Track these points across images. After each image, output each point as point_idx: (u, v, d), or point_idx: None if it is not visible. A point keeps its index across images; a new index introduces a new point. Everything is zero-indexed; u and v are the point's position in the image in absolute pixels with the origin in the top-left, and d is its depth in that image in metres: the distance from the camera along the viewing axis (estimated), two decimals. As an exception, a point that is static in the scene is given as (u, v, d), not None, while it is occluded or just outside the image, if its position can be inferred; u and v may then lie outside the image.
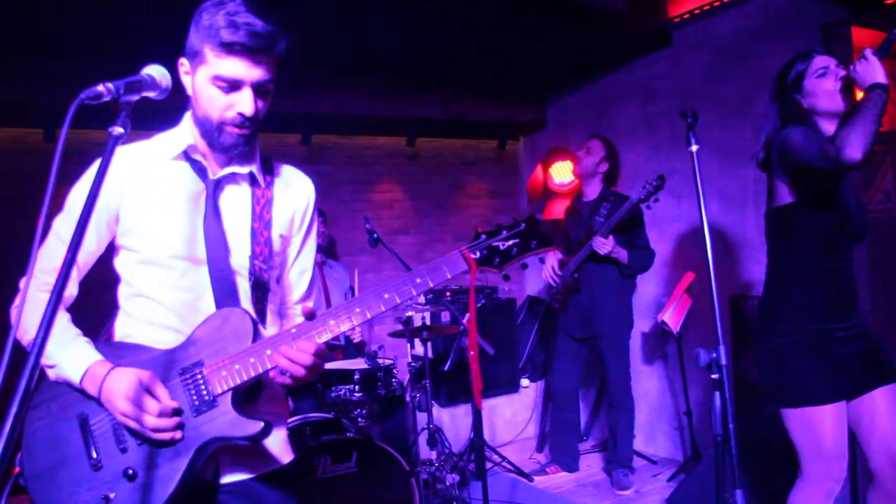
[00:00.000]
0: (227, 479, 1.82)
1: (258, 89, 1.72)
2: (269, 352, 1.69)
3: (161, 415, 1.62)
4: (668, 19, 5.19)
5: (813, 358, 2.70)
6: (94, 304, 2.06)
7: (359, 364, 4.36)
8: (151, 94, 1.51)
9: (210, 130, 1.76)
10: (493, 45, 5.38)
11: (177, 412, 1.66)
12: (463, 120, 6.57)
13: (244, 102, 1.70)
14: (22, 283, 1.78)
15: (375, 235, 4.21)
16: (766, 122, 2.93)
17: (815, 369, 2.69)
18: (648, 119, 5.78)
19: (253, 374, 1.69)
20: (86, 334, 1.80)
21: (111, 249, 1.87)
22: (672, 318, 4.78)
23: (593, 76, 6.34)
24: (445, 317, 5.84)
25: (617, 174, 5.05)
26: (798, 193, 2.74)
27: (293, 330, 1.72)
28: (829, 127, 2.78)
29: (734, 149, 4.84)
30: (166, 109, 1.91)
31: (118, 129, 1.35)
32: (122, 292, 1.87)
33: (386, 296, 1.73)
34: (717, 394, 2.14)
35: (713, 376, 2.14)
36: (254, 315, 1.80)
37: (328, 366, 4.45)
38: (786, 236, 2.84)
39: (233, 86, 1.69)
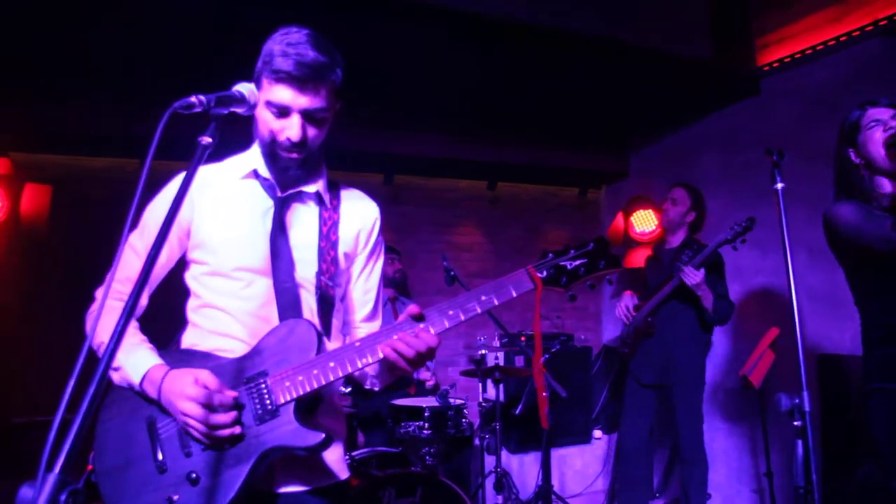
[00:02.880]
0: (282, 489, 1.84)
1: (308, 117, 1.80)
2: (332, 364, 1.73)
3: (220, 408, 1.67)
4: (756, 68, 5.13)
5: None
6: (166, 319, 2.14)
7: (430, 402, 4.35)
8: (239, 110, 1.60)
9: (267, 152, 1.87)
10: (576, 92, 5.40)
11: (236, 406, 1.70)
12: (544, 166, 6.61)
13: (292, 128, 1.79)
14: (97, 293, 1.93)
15: (452, 273, 4.23)
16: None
17: None
18: (732, 169, 5.66)
19: (315, 386, 1.72)
20: (155, 345, 1.88)
21: (182, 265, 1.97)
22: (754, 373, 4.60)
23: (678, 125, 6.28)
24: (519, 361, 5.79)
25: (703, 222, 4.92)
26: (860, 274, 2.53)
27: (357, 343, 1.76)
28: (888, 187, 2.60)
29: (824, 201, 4.68)
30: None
31: (207, 139, 1.42)
32: (191, 305, 1.96)
33: (451, 312, 1.75)
34: (800, 442, 2.04)
35: (795, 423, 2.04)
36: (319, 328, 1.84)
37: (399, 402, 4.45)
38: (864, 288, 2.64)
39: (282, 112, 1.78)
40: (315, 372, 1.72)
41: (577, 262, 1.78)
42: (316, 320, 1.90)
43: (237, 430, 1.69)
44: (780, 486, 4.80)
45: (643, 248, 6.07)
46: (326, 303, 1.93)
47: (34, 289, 4.85)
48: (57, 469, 0.99)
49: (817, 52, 4.73)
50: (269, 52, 1.77)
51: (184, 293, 1.97)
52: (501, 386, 4.48)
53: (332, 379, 1.73)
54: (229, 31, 3.86)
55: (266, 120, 1.81)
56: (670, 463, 6.06)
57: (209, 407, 1.65)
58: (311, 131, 1.82)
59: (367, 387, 1.99)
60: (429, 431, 4.16)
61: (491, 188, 6.82)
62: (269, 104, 1.78)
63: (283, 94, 1.75)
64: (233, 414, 1.68)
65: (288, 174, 1.89)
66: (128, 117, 4.82)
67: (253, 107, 1.64)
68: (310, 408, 1.84)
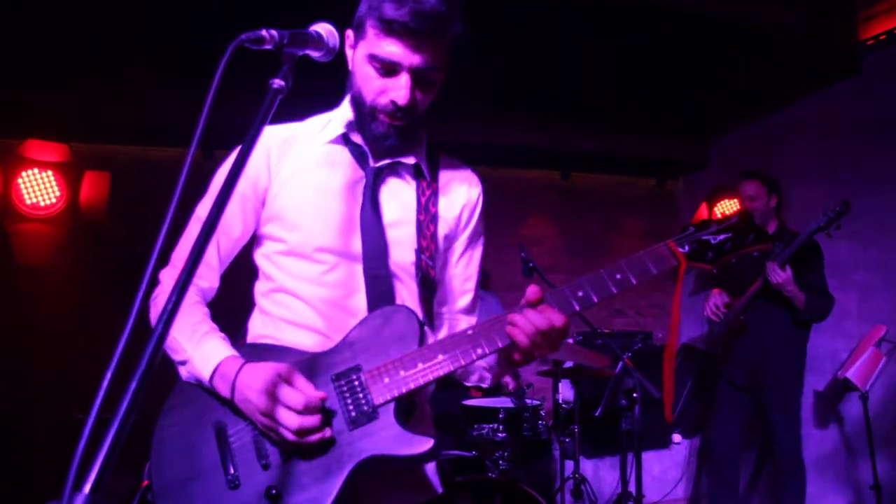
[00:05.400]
0: None
1: (418, 78, 1.54)
2: (440, 357, 1.47)
3: (307, 409, 1.40)
4: (858, 43, 4.70)
5: None
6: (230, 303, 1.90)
7: (504, 402, 4.10)
8: (315, 54, 1.36)
9: (362, 114, 1.60)
10: (653, 72, 5.06)
11: (325, 410, 1.45)
12: (619, 155, 6.30)
13: (399, 90, 1.53)
14: (162, 275, 1.69)
15: (531, 264, 3.93)
16: None
17: None
18: (828, 156, 5.27)
19: (421, 383, 1.47)
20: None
21: (253, 241, 1.74)
22: (858, 374, 4.23)
23: (766, 109, 5.87)
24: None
25: (783, 202, 4.58)
26: None
27: (469, 332, 1.50)
28: None
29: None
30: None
31: (279, 82, 1.20)
32: (260, 288, 1.72)
33: (580, 293, 1.49)
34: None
35: None
36: (421, 316, 1.59)
37: (471, 402, 4.22)
38: None
39: (388, 69, 1.53)
40: (420, 367, 1.47)
41: (722, 237, 1.54)
42: (417, 308, 1.64)
43: (327, 433, 1.43)
44: (888, 500, 4.40)
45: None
46: (428, 287, 1.67)
47: (94, 280, 4.73)
48: (87, 489, 0.77)
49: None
50: None
51: (252, 273, 1.74)
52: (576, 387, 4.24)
53: (441, 375, 1.47)
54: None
55: (367, 76, 1.55)
56: (757, 469, 5.70)
57: (293, 408, 1.41)
58: (420, 94, 1.56)
59: (473, 382, 1.73)
60: (504, 434, 3.91)
61: (564, 178, 6.52)
62: (372, 58, 1.52)
63: (393, 48, 1.49)
64: (320, 416, 1.43)
65: (384, 144, 1.62)
66: (190, 106, 4.68)
67: (331, 52, 1.38)
68: (408, 410, 1.57)
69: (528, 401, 4.07)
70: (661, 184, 6.99)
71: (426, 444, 1.43)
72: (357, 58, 1.58)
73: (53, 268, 4.67)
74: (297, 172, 1.65)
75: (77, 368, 4.38)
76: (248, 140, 1.13)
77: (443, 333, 1.79)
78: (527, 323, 1.44)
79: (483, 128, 5.64)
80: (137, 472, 1.55)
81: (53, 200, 4.43)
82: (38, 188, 4.38)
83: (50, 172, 4.42)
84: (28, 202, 4.38)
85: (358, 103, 1.61)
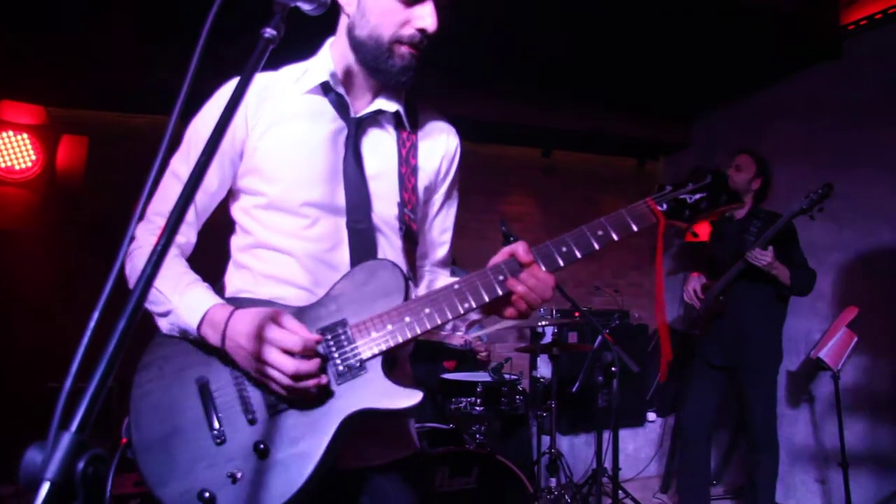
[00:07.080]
0: (346, 465, 1.57)
1: (437, 2, 1.51)
2: (427, 310, 1.48)
3: (304, 351, 1.38)
4: (840, 27, 4.72)
5: None
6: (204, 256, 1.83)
7: (482, 377, 4.10)
8: (307, 7, 1.31)
9: (378, 52, 1.54)
10: (637, 50, 5.04)
11: (318, 352, 1.43)
12: (601, 134, 6.27)
13: (426, 17, 1.49)
14: (138, 231, 1.63)
15: (512, 238, 3.92)
16: None
17: None
18: (809, 137, 5.30)
19: (409, 336, 1.47)
20: None
21: (229, 195, 1.69)
22: (831, 354, 4.28)
23: (748, 91, 5.89)
24: (572, 338, 5.53)
25: (768, 190, 4.58)
26: None
27: (455, 286, 1.51)
28: None
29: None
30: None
31: (270, 31, 1.16)
32: (237, 242, 1.68)
33: (564, 249, 1.52)
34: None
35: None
36: (406, 269, 1.58)
37: (449, 376, 4.22)
38: None
39: None
40: (407, 320, 1.47)
41: (698, 196, 1.59)
42: (400, 261, 1.63)
43: (323, 379, 1.41)
44: (855, 476, 4.47)
45: (707, 223, 5.74)
46: (410, 239, 1.66)
47: (70, 245, 4.67)
48: (73, 427, 0.75)
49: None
50: None
51: (227, 227, 1.70)
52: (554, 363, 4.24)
53: (427, 328, 1.47)
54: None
55: (387, 10, 1.50)
56: (730, 448, 5.77)
57: (289, 352, 1.38)
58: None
59: (447, 331, 1.74)
60: (481, 408, 3.92)
61: (546, 156, 6.52)
62: None
63: None
64: (317, 361, 1.40)
65: (403, 78, 1.56)
66: (171, 72, 4.59)
67: (323, 4, 1.32)
68: (392, 365, 1.55)
69: (506, 375, 4.08)
70: (642, 164, 7.00)
71: (415, 396, 1.43)
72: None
73: (29, 233, 4.57)
74: (277, 124, 1.59)
75: (53, 333, 4.34)
76: (236, 91, 1.09)
77: (422, 286, 1.80)
78: (528, 291, 1.49)
79: (464, 103, 5.57)
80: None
81: (29, 164, 4.30)
82: (14, 151, 4.25)
83: (26, 135, 4.28)
84: (2, 165, 4.25)
85: (371, 44, 1.54)
